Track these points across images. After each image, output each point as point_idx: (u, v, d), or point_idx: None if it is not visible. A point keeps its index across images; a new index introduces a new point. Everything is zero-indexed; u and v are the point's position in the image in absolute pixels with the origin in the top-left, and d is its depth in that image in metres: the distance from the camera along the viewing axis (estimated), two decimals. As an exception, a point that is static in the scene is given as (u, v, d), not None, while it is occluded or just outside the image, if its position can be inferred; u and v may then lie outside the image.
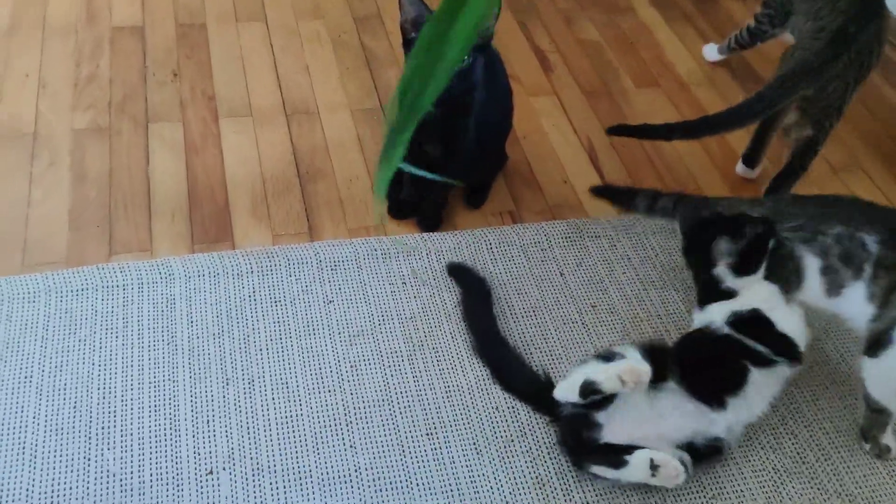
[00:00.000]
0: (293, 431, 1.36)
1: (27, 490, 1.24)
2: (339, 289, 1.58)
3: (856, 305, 1.32)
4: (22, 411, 1.33)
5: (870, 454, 1.41)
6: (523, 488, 1.33)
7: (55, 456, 1.29)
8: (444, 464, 1.34)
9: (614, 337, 1.56)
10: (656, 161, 1.96)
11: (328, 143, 1.90)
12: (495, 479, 1.33)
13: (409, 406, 1.42)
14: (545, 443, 1.38)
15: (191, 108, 1.95)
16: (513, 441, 1.38)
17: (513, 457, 1.36)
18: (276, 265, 1.60)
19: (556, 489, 1.33)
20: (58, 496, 1.24)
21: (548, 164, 1.92)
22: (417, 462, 1.34)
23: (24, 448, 1.29)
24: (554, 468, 1.35)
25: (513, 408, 1.42)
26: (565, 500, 1.32)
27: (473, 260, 1.66)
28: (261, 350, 1.47)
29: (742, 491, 1.35)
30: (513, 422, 1.41)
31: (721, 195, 1.82)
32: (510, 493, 1.32)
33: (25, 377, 1.37)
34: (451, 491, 1.31)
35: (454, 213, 1.78)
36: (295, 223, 1.72)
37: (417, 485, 1.32)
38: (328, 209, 1.75)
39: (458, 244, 1.68)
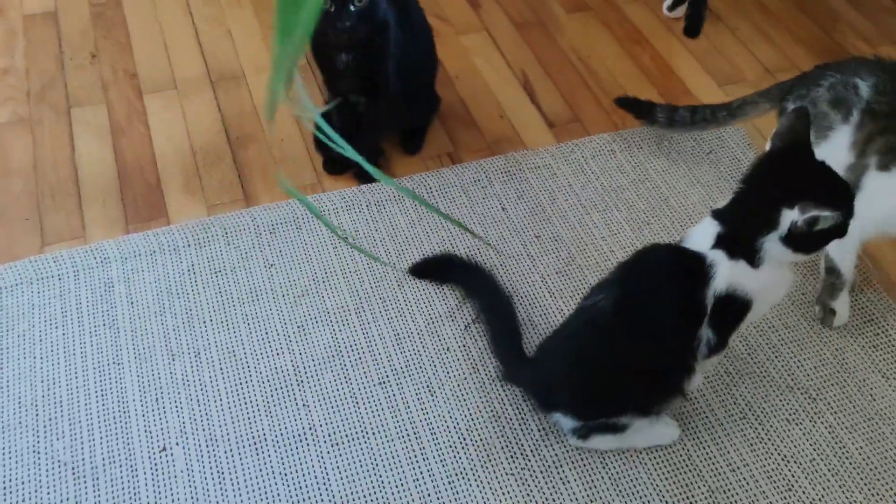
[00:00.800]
0: (244, 398, 1.35)
1: (-22, 489, 1.23)
2: (280, 252, 1.56)
3: (838, 152, 1.32)
4: (-35, 413, 1.31)
5: (817, 319, 1.43)
6: (479, 423, 1.32)
7: (3, 453, 1.27)
8: (399, 410, 1.34)
9: (560, 265, 1.55)
10: (592, 85, 1.93)
11: (256, 107, 1.86)
12: (451, 417, 1.33)
13: (360, 358, 1.40)
14: (498, 376, 1.37)
15: (113, 89, 1.90)
16: (465, 378, 1.38)
17: (467, 394, 1.36)
18: (212, 236, 1.58)
19: (511, 420, 1.33)
20: (11, 492, 1.23)
21: (483, 101, 1.89)
22: (372, 411, 1.34)
23: (-30, 449, 1.27)
24: (508, 399, 1.35)
25: (464, 346, 1.42)
26: (521, 430, 1.32)
27: (414, 205, 1.63)
28: (205, 322, 1.45)
29: (696, 398, 1.35)
30: (464, 360, 1.40)
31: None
32: (466, 429, 1.32)
33: (-35, 378, 1.35)
34: (408, 435, 1.31)
35: (392, 160, 1.75)
36: (229, 191, 1.68)
37: (374, 433, 1.31)
38: (262, 173, 1.72)
39: (396, 192, 1.66)
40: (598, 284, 1.24)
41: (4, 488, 1.23)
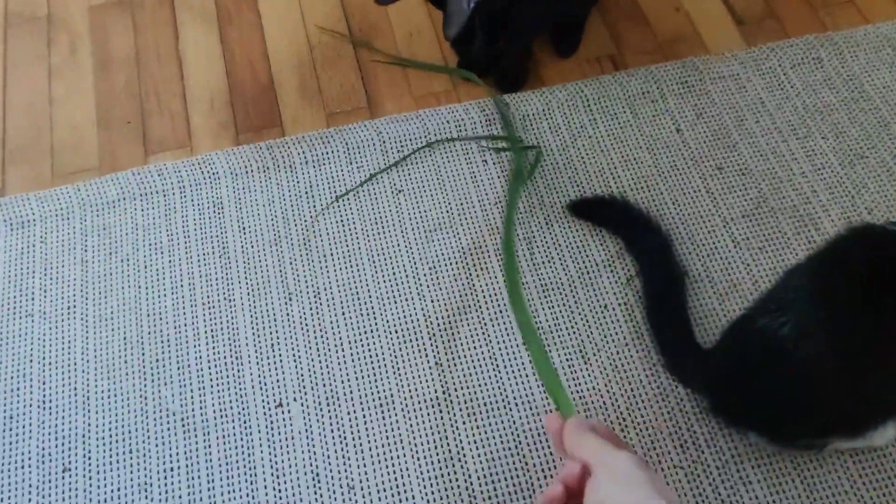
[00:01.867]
0: (369, 351, 1.19)
1: (84, 437, 1.14)
2: (409, 176, 1.36)
3: None
4: (69, 348, 1.21)
5: None
6: (642, 400, 1.13)
7: (110, 397, 1.17)
8: (547, 379, 1.15)
9: (747, 206, 1.28)
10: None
11: (382, -8, 1.61)
12: (608, 391, 1.14)
13: (500, 311, 1.21)
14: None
15: (221, -34, 1.68)
16: (627, 345, 1.17)
17: (628, 364, 1.16)
18: (333, 151, 1.38)
19: (682, 401, 1.12)
20: (117, 441, 1.14)
21: (654, -12, 1.57)
22: (514, 377, 1.16)
23: (76, 390, 1.18)
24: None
25: (626, 304, 1.20)
26: (694, 415, 1.11)
27: (568, 122, 1.38)
28: (324, 256, 1.28)
29: None
30: (626, 321, 1.19)
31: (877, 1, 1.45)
32: (626, 407, 1.13)
33: (69, 308, 1.25)
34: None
35: (541, 65, 1.49)
36: (351, 97, 1.47)
37: (516, 404, 1.14)
38: (388, 76, 1.49)
39: (546, 104, 1.41)
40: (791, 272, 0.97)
41: (112, 435, 1.14)
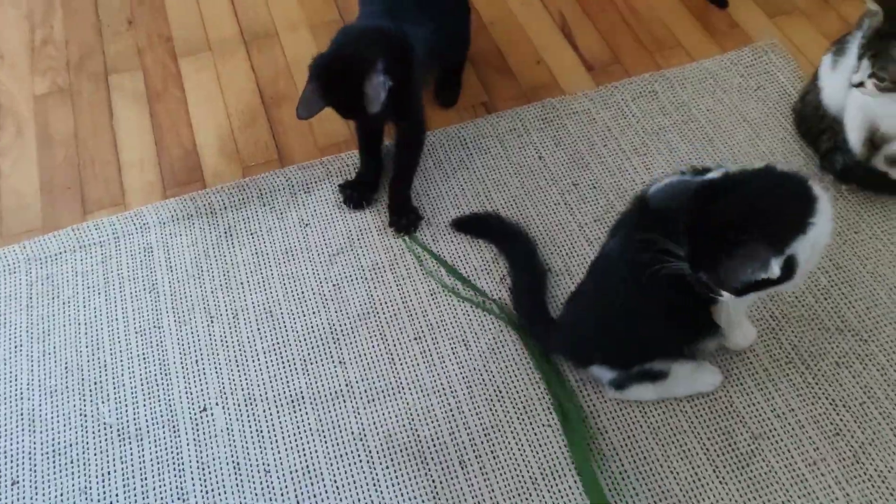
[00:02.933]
0: (281, 357, 1.38)
1: (29, 453, 1.29)
2: (315, 211, 1.57)
3: None
4: (16, 380, 1.38)
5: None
6: (515, 375, 1.32)
7: (52, 417, 1.33)
8: (435, 364, 1.35)
9: (598, 212, 1.52)
10: (633, 23, 1.87)
11: (290, 65, 1.86)
12: (487, 370, 1.33)
13: (395, 314, 1.41)
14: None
15: (149, 54, 1.93)
16: (501, 331, 1.37)
17: (503, 346, 1.36)
18: (248, 197, 1.60)
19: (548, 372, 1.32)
20: (59, 455, 1.29)
21: (519, 46, 1.85)
22: (407, 367, 1.35)
23: (22, 415, 1.34)
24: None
25: (500, 298, 1.41)
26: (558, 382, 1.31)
27: (449, 158, 1.62)
28: (242, 283, 1.48)
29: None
30: (500, 312, 1.40)
31: (699, 43, 1.75)
32: (502, 382, 1.32)
33: (16, 347, 1.42)
34: (444, 389, 1.32)
35: (426, 113, 1.73)
36: (264, 152, 1.70)
37: (409, 388, 1.32)
38: (296, 132, 1.73)
39: (431, 145, 1.64)
40: (615, 225, 1.21)
41: (55, 451, 1.29)
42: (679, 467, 1.21)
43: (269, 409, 1.32)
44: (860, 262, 1.40)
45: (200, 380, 1.36)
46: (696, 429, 1.25)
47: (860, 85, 1.31)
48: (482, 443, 1.26)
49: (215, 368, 1.37)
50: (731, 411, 1.26)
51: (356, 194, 1.55)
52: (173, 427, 1.31)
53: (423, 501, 1.21)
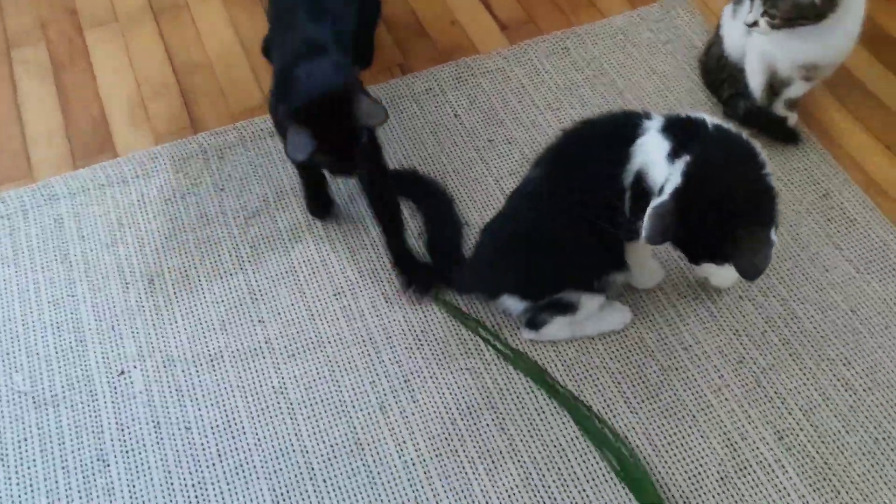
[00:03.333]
0: (199, 319, 1.39)
1: (-59, 423, 1.28)
2: (230, 175, 1.58)
3: None
4: (-77, 352, 1.36)
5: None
6: (434, 325, 1.36)
7: (-36, 387, 1.32)
8: (355, 318, 1.38)
9: (513, 166, 1.57)
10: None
11: (201, 34, 1.86)
12: (406, 321, 1.37)
13: (314, 273, 1.44)
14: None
15: (53, 27, 1.90)
16: (419, 284, 1.42)
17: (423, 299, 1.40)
18: (161, 166, 1.60)
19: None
20: (-27, 423, 1.28)
21: (433, 8, 1.88)
22: (328, 322, 1.38)
23: (-69, 386, 1.32)
24: (464, 301, 1.39)
25: (420, 254, 1.45)
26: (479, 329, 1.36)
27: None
28: (157, 249, 1.48)
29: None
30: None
31: (611, 1, 1.82)
32: (422, 331, 1.36)
33: (-78, 320, 1.40)
34: (364, 341, 1.35)
35: (340, 77, 1.76)
36: (177, 120, 1.70)
37: (329, 342, 1.35)
38: (208, 99, 1.73)
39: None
40: (538, 157, 1.26)
41: (-33, 420, 1.29)
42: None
43: (188, 368, 1.33)
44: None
45: (117, 344, 1.36)
46: (609, 365, 1.31)
47: (754, 24, 1.38)
48: (402, 389, 1.30)
49: (132, 333, 1.38)
50: (641, 346, 1.32)
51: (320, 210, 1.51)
52: (90, 391, 1.31)
53: (344, 447, 1.24)
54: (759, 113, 1.56)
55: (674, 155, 1.09)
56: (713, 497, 1.18)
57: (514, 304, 1.30)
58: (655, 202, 1.06)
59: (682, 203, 1.05)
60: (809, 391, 1.27)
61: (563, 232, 1.19)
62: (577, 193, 1.17)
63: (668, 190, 1.06)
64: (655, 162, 1.11)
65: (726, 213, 1.04)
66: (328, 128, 1.25)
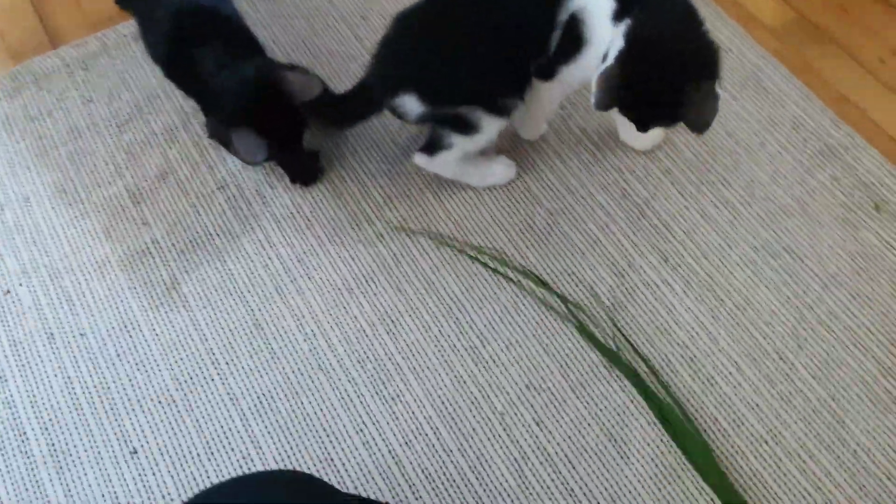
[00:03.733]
0: (81, 229, 1.37)
1: None
2: (97, 85, 1.54)
3: None
4: None
5: None
6: (323, 203, 1.37)
7: None
8: (241, 208, 1.38)
9: None
10: None
11: (48, -53, 1.78)
12: (294, 204, 1.37)
13: (195, 169, 1.42)
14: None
15: None
16: (303, 166, 1.42)
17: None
18: (22, 84, 1.55)
19: (354, 193, 1.37)
20: None
21: None
22: (214, 216, 1.37)
23: None
24: (350, 177, 1.39)
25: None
26: (364, 200, 1.37)
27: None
28: (29, 168, 1.44)
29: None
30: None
31: None
32: (311, 212, 1.36)
33: None
34: (253, 229, 1.35)
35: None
36: (32, 37, 1.64)
37: (218, 235, 1.35)
38: (63, 11, 1.67)
39: None
40: None
41: None
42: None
43: (76, 278, 1.32)
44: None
45: (-1, 266, 1.34)
46: (498, 217, 1.34)
47: None
48: (296, 268, 1.31)
49: (13, 252, 1.35)
50: (528, 195, 1.36)
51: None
52: (-24, 315, 1.29)
53: (243, 330, 1.25)
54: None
55: (617, 17, 1.10)
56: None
57: (412, 106, 1.23)
58: (601, 68, 1.07)
59: (628, 67, 1.06)
60: (691, 214, 1.32)
61: (479, 41, 1.17)
62: (505, 10, 1.16)
63: (613, 55, 1.07)
64: (595, 14, 1.11)
65: (673, 72, 1.06)
66: (271, 118, 1.23)
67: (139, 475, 1.14)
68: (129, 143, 1.46)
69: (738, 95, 1.45)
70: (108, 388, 1.22)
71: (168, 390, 1.21)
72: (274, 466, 1.13)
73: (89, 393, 1.21)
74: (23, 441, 1.17)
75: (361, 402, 1.18)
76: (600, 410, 1.16)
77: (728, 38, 1.52)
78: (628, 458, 1.12)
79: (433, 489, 1.11)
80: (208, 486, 1.12)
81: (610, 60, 1.07)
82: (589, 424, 1.15)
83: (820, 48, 1.52)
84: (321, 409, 1.18)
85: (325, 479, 1.11)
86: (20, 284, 1.32)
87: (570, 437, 1.14)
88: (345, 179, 1.40)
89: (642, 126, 1.13)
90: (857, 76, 1.48)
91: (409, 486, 1.11)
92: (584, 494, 1.10)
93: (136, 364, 1.23)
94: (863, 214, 1.32)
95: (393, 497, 1.11)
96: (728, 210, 1.32)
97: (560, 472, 1.11)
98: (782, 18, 1.57)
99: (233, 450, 1.15)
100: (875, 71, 1.49)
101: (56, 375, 1.23)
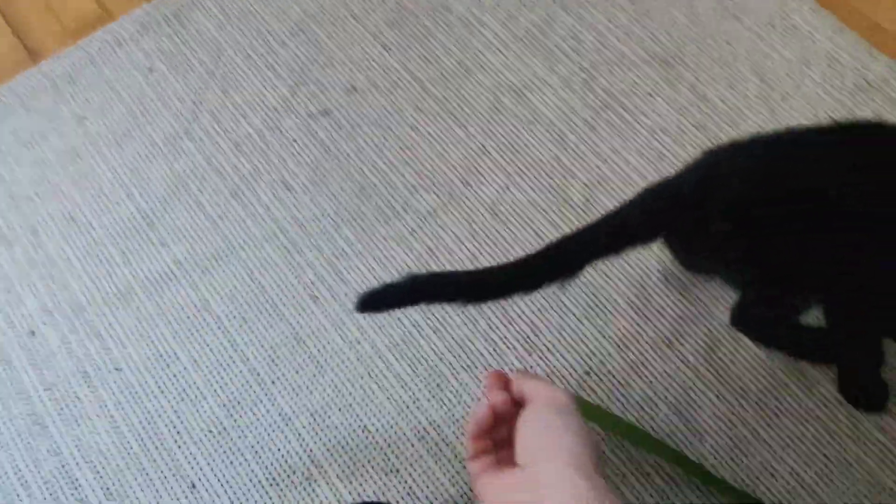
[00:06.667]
0: (98, 257, 1.39)
1: None
2: (87, 100, 1.55)
3: None
4: None
5: None
6: (344, 196, 1.39)
7: None
8: (260, 214, 1.40)
9: (390, 16, 1.56)
10: None
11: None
12: (315, 204, 1.39)
13: (205, 178, 1.44)
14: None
15: None
16: (320, 161, 1.43)
17: (326, 174, 1.41)
18: (9, 107, 1.55)
19: (377, 185, 1.39)
20: None
21: None
22: (233, 225, 1.39)
23: None
24: (370, 170, 1.41)
25: (310, 132, 1.45)
26: (388, 189, 1.38)
27: None
28: (31, 198, 1.46)
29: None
30: (314, 145, 1.44)
31: None
32: (334, 210, 1.38)
33: None
34: (276, 234, 1.37)
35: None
36: (11, 55, 1.64)
37: (240, 246, 1.37)
38: (39, 23, 1.67)
39: (191, -5, 1.62)
40: None
41: None
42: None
43: (101, 310, 1.34)
44: (651, -9, 1.51)
45: (19, 305, 1.36)
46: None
47: None
48: (328, 275, 1.33)
49: (30, 289, 1.37)
50: (561, 170, 1.37)
51: None
52: (5, 360, 1.32)
53: (285, 346, 1.28)
54: None
55: None
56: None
57: None
58: None
59: None
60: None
61: None
62: None
63: None
64: None
65: None
66: None
67: (201, 508, 1.18)
68: (131, 160, 1.48)
69: (764, 36, 1.46)
70: (155, 422, 1.25)
71: (217, 417, 1.24)
72: (339, 485, 1.17)
73: (136, 430, 1.25)
74: (76, 489, 1.21)
75: (419, 408, 1.22)
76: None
77: (748, -28, 1.52)
78: None
79: (504, 488, 1.15)
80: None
81: None
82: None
83: (845, -27, 1.52)
84: (377, 419, 1.21)
85: (394, 491, 1.15)
86: (44, 323, 1.35)
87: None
88: (369, 172, 1.41)
89: None
90: (888, 1, 1.48)
91: (480, 488, 1.15)
92: None
93: (180, 394, 1.27)
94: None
95: None
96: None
97: None
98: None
99: (294, 472, 1.19)
100: (907, -8, 1.49)
101: (98, 416, 1.26)
